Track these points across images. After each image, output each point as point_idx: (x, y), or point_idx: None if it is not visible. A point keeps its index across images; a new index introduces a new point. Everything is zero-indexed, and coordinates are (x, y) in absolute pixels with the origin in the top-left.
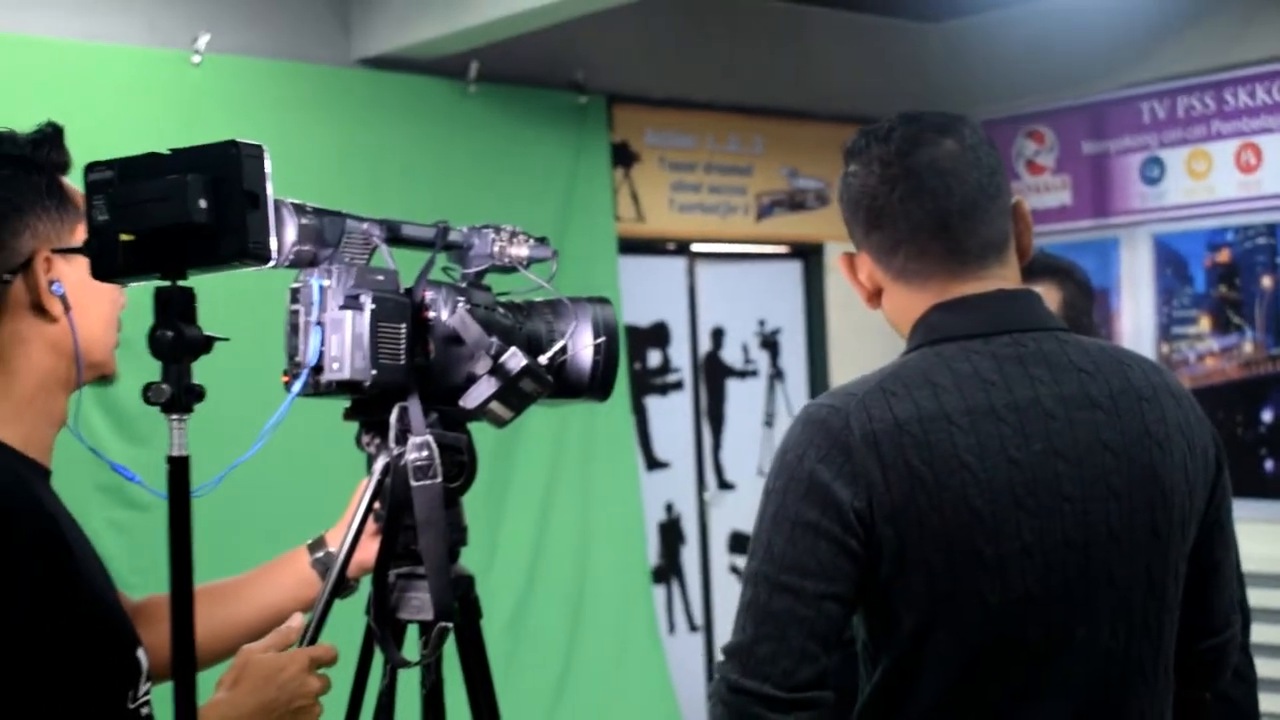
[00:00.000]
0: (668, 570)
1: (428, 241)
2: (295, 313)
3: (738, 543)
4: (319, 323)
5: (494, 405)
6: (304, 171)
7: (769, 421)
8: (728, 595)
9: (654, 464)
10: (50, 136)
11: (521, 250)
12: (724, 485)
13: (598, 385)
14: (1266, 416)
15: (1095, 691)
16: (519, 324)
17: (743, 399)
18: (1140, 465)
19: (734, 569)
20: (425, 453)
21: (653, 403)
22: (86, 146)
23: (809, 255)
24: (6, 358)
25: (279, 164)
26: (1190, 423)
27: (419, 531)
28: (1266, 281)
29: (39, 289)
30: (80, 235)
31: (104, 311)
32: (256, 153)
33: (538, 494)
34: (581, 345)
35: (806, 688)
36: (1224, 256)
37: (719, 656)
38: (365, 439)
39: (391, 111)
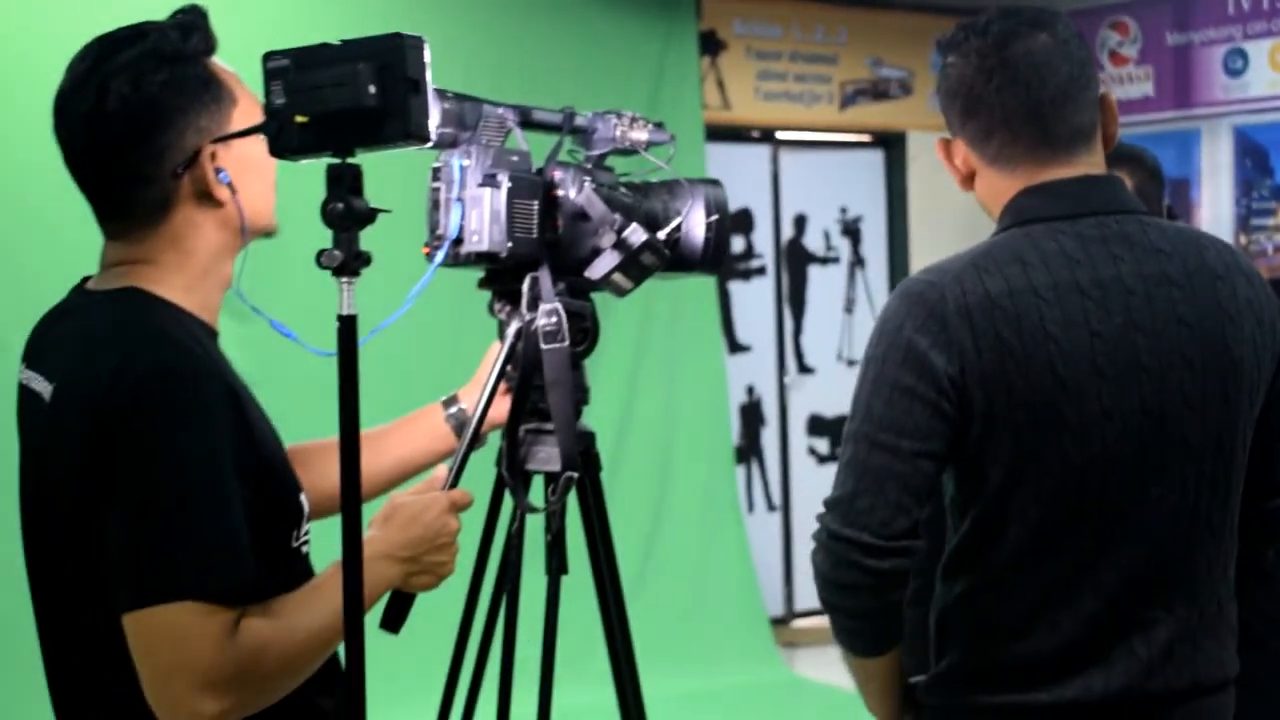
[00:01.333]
0: (748, 451)
1: (555, 125)
2: (436, 190)
3: (816, 425)
4: (459, 199)
5: (616, 276)
6: None
7: (849, 308)
8: (806, 476)
9: (736, 347)
10: (197, 22)
11: (641, 134)
12: (804, 369)
13: (710, 260)
14: None
15: (1165, 544)
16: (638, 202)
17: (824, 285)
18: (1213, 338)
19: (812, 451)
20: (554, 319)
21: (736, 288)
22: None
23: (891, 144)
24: (182, 239)
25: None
26: (1260, 300)
27: (548, 390)
28: None
29: (207, 180)
30: (235, 117)
31: (265, 182)
32: (417, 44)
33: (624, 373)
34: (696, 223)
35: (901, 536)
36: None
37: (819, 509)
38: (497, 306)
39: (479, 7)
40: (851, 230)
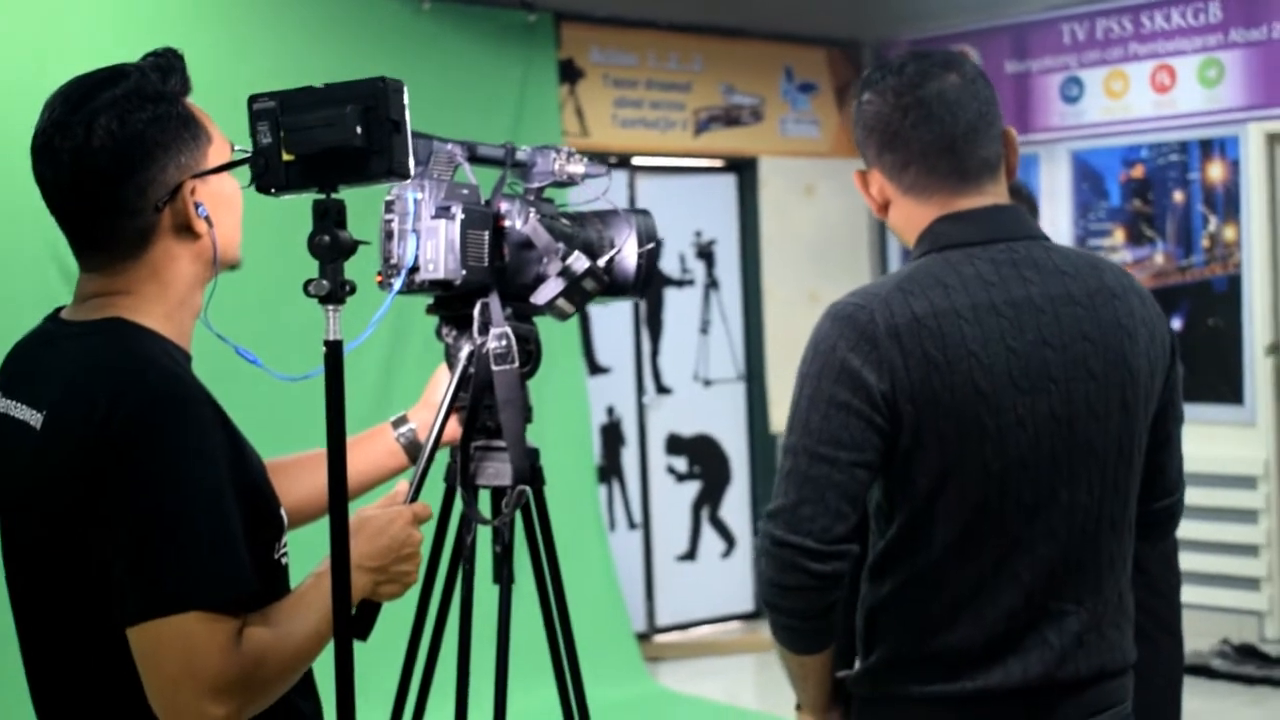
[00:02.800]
0: (609, 470)
1: (499, 160)
2: (389, 221)
3: (674, 444)
4: (414, 230)
5: (560, 301)
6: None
7: (704, 329)
8: (665, 494)
9: (596, 369)
10: (174, 64)
11: (578, 168)
12: (661, 390)
13: (640, 285)
14: (1176, 324)
15: (1075, 541)
16: (577, 231)
17: (680, 307)
18: (1113, 352)
19: (670, 469)
20: (504, 341)
21: (594, 310)
22: None
23: (743, 169)
24: (161, 270)
25: (230, 78)
26: (1151, 317)
27: (500, 409)
28: (1178, 196)
29: (187, 213)
30: (210, 154)
31: (235, 217)
32: (399, 87)
33: None
34: (629, 251)
35: (840, 541)
36: (1138, 172)
37: (762, 519)
38: (445, 330)
39: (345, 28)
40: (706, 253)
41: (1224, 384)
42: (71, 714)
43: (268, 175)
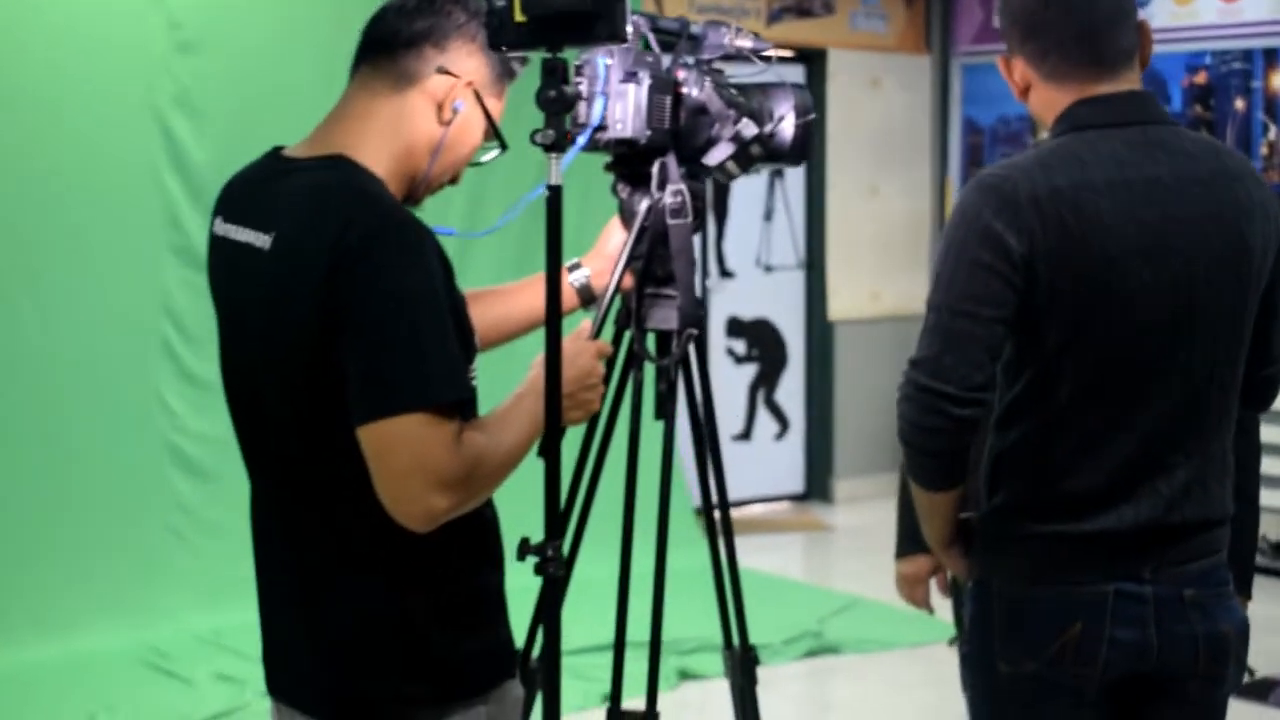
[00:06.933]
0: None
1: (675, 32)
2: (578, 84)
3: (735, 327)
4: (604, 93)
5: (729, 164)
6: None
7: (768, 216)
8: (723, 376)
9: None
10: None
11: (747, 42)
12: (725, 274)
13: (797, 154)
14: None
15: (1188, 398)
16: (745, 101)
17: (744, 194)
18: (1230, 229)
19: (730, 352)
20: (680, 197)
21: None
22: None
23: (813, 60)
24: (402, 118)
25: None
26: (1266, 199)
27: (674, 258)
28: (1239, 104)
29: (448, 95)
30: (492, 100)
31: (464, 149)
32: None
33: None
34: (789, 122)
35: (979, 389)
36: (1201, 79)
37: (905, 367)
38: (620, 187)
39: None
40: None
41: None
42: (300, 517)
43: (501, 32)
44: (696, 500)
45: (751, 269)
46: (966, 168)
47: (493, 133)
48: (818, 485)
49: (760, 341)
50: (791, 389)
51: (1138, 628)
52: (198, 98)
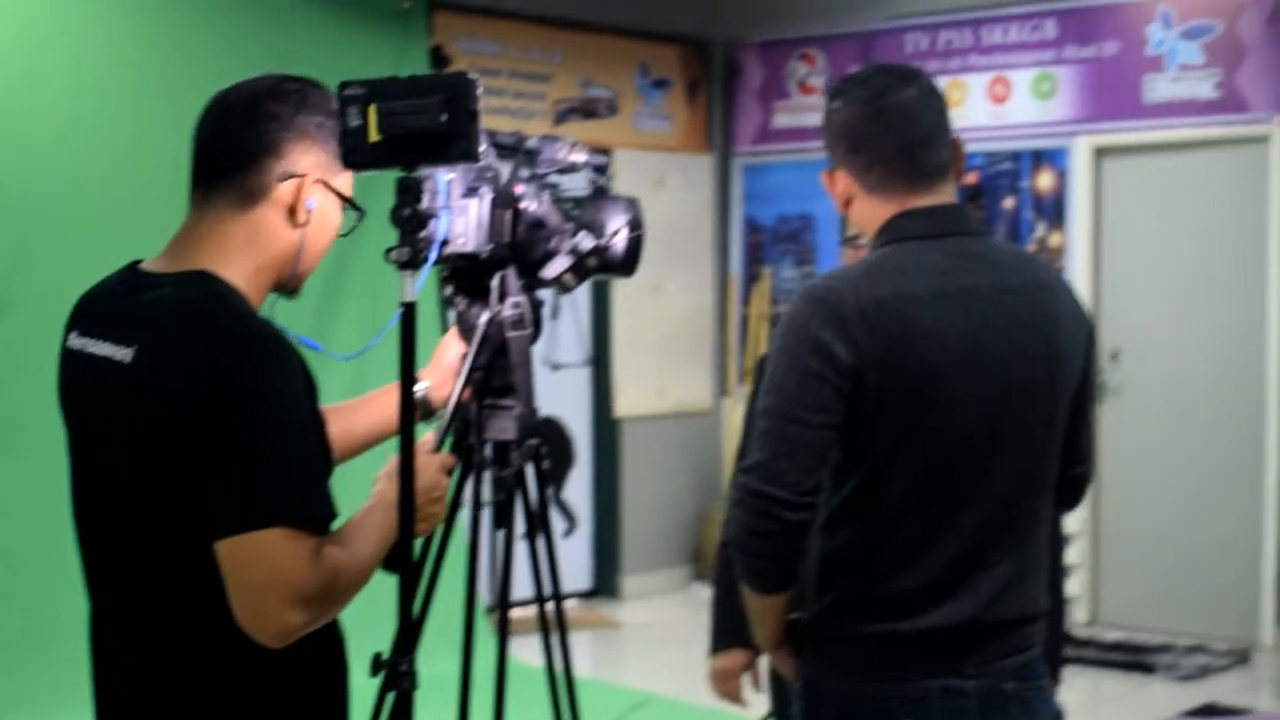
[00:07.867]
0: None
1: (511, 146)
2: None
3: None
4: (446, 208)
5: (566, 276)
6: (131, 68)
7: (554, 314)
8: None
9: None
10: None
11: (580, 156)
12: None
13: (627, 265)
14: None
15: (1007, 501)
16: (579, 214)
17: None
18: (1044, 336)
19: None
20: (520, 309)
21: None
22: None
23: None
24: (258, 231)
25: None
26: (1075, 308)
27: (514, 370)
28: (1009, 203)
29: (299, 199)
30: (338, 182)
31: (326, 237)
32: (476, 81)
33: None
34: (622, 233)
35: (810, 493)
36: (972, 179)
37: (738, 474)
38: (457, 299)
39: (217, 12)
40: None
41: None
42: (146, 632)
43: (356, 153)
44: (488, 599)
45: (539, 367)
46: (748, 265)
47: (349, 205)
48: (606, 581)
49: (548, 439)
50: (579, 486)
51: None
52: None
